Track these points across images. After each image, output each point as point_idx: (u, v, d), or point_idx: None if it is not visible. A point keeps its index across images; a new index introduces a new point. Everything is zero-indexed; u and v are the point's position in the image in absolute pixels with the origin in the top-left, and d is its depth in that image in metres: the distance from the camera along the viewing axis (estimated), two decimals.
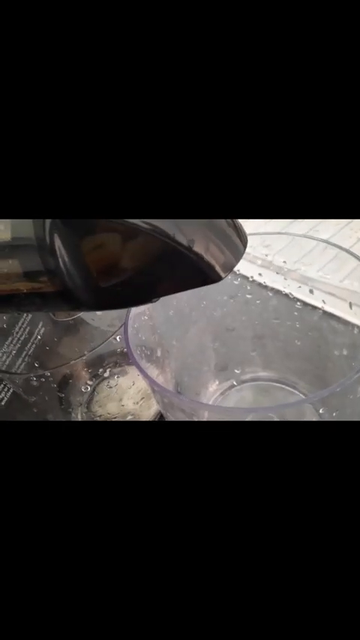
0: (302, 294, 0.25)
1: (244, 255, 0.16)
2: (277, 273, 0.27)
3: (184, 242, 0.12)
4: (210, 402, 0.26)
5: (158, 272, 0.13)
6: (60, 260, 0.13)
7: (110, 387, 0.29)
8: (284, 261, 0.29)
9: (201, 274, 0.13)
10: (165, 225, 0.12)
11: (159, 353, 0.23)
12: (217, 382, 0.27)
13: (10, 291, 0.15)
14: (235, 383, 0.27)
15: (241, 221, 0.16)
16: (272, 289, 0.26)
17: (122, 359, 0.31)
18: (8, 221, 0.14)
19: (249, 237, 0.16)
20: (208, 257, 0.13)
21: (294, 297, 0.25)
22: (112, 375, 0.29)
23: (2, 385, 0.23)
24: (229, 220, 0.14)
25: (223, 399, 0.26)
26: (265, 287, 0.26)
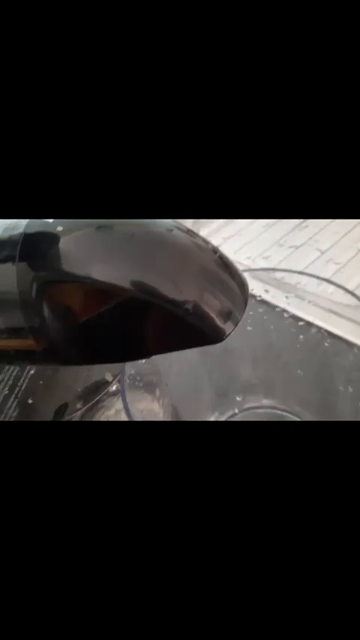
0: (302, 312, 0.24)
1: (243, 268, 0.15)
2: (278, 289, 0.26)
3: (179, 303, 0.12)
4: None
5: (153, 334, 0.12)
6: (47, 320, 0.12)
7: (109, 415, 0.28)
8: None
9: (200, 336, 0.12)
10: (157, 285, 0.11)
11: (153, 380, 0.22)
12: (216, 412, 0.26)
13: None
14: (236, 411, 0.26)
15: (236, 226, 0.15)
16: (270, 305, 0.25)
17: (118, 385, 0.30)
18: None
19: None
20: (207, 318, 0.12)
21: (293, 315, 0.24)
22: (109, 403, 0.28)
23: None
24: (233, 271, 0.13)
25: None
26: (264, 303, 0.25)
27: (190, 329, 0.12)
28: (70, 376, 0.27)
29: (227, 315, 0.13)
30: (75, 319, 0.12)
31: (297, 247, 0.44)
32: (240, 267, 0.15)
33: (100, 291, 0.12)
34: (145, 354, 0.13)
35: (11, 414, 0.22)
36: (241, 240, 0.45)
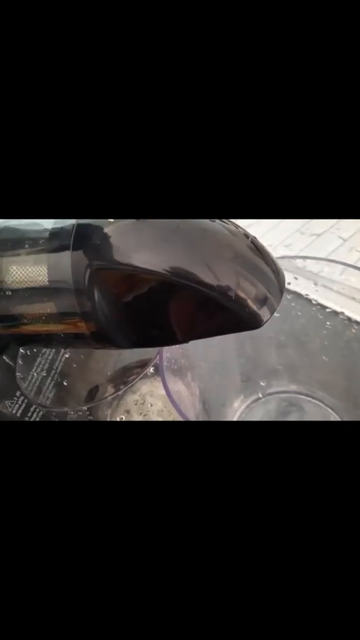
0: (330, 300, 0.25)
1: None
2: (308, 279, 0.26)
3: (222, 291, 0.12)
4: (236, 417, 0.26)
5: (194, 320, 0.13)
6: (97, 305, 0.13)
7: (136, 399, 0.29)
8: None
9: (240, 322, 0.13)
10: (202, 273, 0.12)
11: (185, 364, 0.23)
12: (242, 396, 0.27)
13: (44, 331, 0.15)
14: (260, 395, 0.27)
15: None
16: (297, 292, 0.26)
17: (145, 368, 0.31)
18: (44, 264, 0.14)
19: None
20: (247, 305, 0.13)
21: (320, 303, 0.25)
22: (135, 387, 0.30)
23: (33, 407, 0.24)
24: (267, 258, 0.14)
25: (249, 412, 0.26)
26: (292, 290, 0.26)
27: (230, 315, 0.13)
28: (101, 360, 0.28)
29: (266, 303, 0.13)
30: (123, 305, 0.13)
31: (319, 235, 0.44)
32: None
33: (147, 279, 0.13)
34: (186, 339, 0.14)
35: (48, 394, 0.23)
36: (262, 228, 0.45)
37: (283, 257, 0.23)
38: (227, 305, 0.12)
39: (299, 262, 0.25)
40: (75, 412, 0.21)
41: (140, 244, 0.12)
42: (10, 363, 0.23)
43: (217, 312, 0.13)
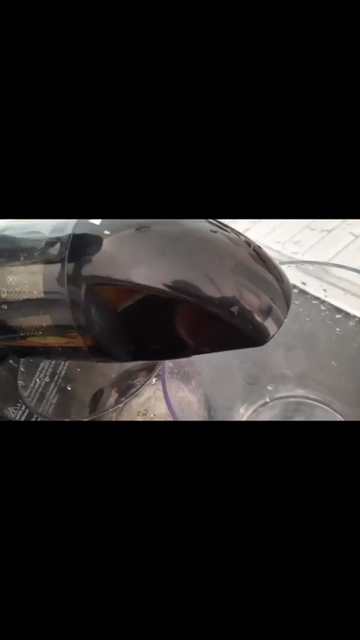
0: (341, 303, 0.24)
1: (272, 254, 0.14)
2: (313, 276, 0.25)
3: (224, 306, 0.12)
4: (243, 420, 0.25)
5: (196, 335, 0.12)
6: (93, 319, 0.13)
7: (141, 402, 0.29)
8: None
9: (245, 338, 0.12)
10: (202, 288, 0.12)
11: (189, 370, 0.22)
12: (248, 400, 0.26)
13: (41, 344, 0.15)
14: (267, 400, 0.26)
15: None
16: (307, 296, 0.25)
17: (150, 372, 0.31)
18: (40, 275, 0.13)
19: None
20: (252, 321, 0.12)
21: (331, 307, 0.24)
22: (141, 389, 0.29)
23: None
24: (270, 266, 0.13)
25: (255, 416, 0.26)
26: (301, 293, 0.25)
27: (234, 331, 0.12)
28: (105, 364, 0.28)
29: (271, 316, 0.13)
30: (121, 320, 0.13)
31: (329, 231, 0.43)
32: (270, 252, 0.14)
33: (145, 294, 0.12)
34: (187, 354, 0.13)
35: (52, 400, 0.23)
36: (270, 225, 0.44)
37: (291, 262, 0.22)
38: (230, 321, 0.12)
39: (308, 266, 0.24)
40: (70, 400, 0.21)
41: (138, 259, 0.12)
42: (15, 365, 0.23)
43: (219, 328, 0.12)
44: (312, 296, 0.22)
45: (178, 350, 0.13)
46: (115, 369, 0.29)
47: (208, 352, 0.13)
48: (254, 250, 0.13)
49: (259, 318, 0.12)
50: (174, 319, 0.12)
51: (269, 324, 0.13)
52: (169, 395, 0.17)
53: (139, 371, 0.29)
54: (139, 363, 0.29)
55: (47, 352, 0.15)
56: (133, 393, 0.20)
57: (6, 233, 0.15)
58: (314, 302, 0.22)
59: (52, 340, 0.14)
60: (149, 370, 0.30)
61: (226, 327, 0.12)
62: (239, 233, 0.13)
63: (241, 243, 0.13)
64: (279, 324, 0.13)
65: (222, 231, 0.13)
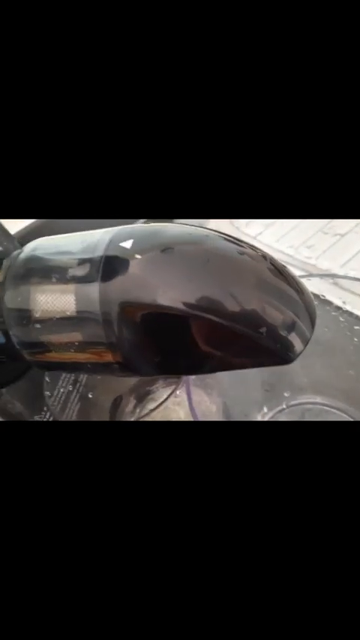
0: (354, 313, 0.24)
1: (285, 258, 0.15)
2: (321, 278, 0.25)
3: (254, 327, 0.12)
4: None
5: (224, 354, 0.13)
6: (124, 337, 0.13)
7: (159, 410, 0.29)
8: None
9: (271, 357, 0.12)
10: (234, 310, 0.12)
11: (210, 380, 0.23)
12: (265, 407, 0.26)
13: (70, 359, 0.15)
14: (284, 406, 0.27)
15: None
16: (322, 308, 0.25)
17: (169, 377, 0.31)
18: (72, 294, 0.14)
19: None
20: (280, 340, 0.12)
21: (350, 316, 0.24)
22: (157, 395, 0.30)
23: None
24: (292, 282, 0.14)
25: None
26: (320, 303, 0.25)
27: (263, 351, 0.12)
28: None
29: (298, 335, 0.13)
30: (151, 338, 0.13)
31: (342, 235, 0.43)
32: (282, 257, 0.15)
33: (177, 315, 0.12)
34: (213, 371, 0.14)
35: (74, 407, 0.24)
36: (283, 228, 0.44)
37: (311, 275, 0.22)
38: (260, 342, 0.12)
39: (321, 264, 0.24)
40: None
41: (170, 282, 0.12)
42: (38, 376, 0.23)
43: (248, 348, 0.12)
44: (332, 306, 0.22)
45: (205, 367, 0.14)
46: None
47: (235, 369, 0.14)
48: (272, 264, 0.13)
49: (287, 337, 0.13)
50: (203, 339, 0.13)
51: (296, 342, 0.13)
52: (194, 403, 0.18)
53: (157, 379, 0.30)
54: None
55: (75, 367, 0.15)
56: (158, 405, 0.20)
57: (36, 253, 0.15)
58: (334, 313, 0.22)
59: (82, 356, 0.15)
60: (166, 377, 0.30)
61: (256, 347, 0.12)
62: (254, 247, 0.14)
63: (259, 258, 0.13)
64: (305, 341, 0.13)
65: (240, 247, 0.13)
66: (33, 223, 0.32)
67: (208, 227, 0.14)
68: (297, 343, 0.13)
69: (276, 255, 0.13)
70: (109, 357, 0.14)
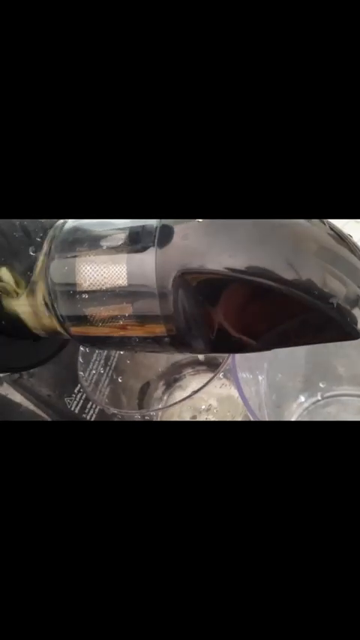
0: None
1: None
2: None
3: (325, 298, 0.11)
4: (294, 418, 0.25)
5: (284, 328, 0.12)
6: (180, 309, 0.13)
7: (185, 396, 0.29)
8: None
9: (339, 331, 0.12)
10: (303, 279, 0.11)
11: (253, 365, 0.22)
12: (301, 397, 0.26)
13: (119, 334, 0.14)
14: (319, 397, 0.26)
15: None
16: None
17: (198, 365, 0.30)
18: (124, 264, 0.13)
19: None
20: (349, 314, 0.11)
21: None
22: (185, 383, 0.29)
23: (90, 403, 0.24)
24: (354, 248, 0.13)
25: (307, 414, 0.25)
26: None
27: (328, 324, 0.12)
28: (152, 356, 0.27)
29: None
30: (209, 310, 0.13)
31: None
32: None
33: (239, 284, 0.12)
34: (269, 347, 0.13)
35: (104, 390, 0.23)
36: None
37: None
38: (329, 314, 0.11)
39: None
40: (142, 415, 0.21)
41: (233, 247, 0.11)
42: (67, 359, 0.23)
43: (314, 321, 0.12)
44: None
45: (261, 343, 0.13)
46: (162, 362, 0.29)
47: (291, 346, 0.13)
48: (331, 229, 0.12)
49: (352, 310, 0.12)
50: (267, 310, 0.12)
51: None
52: (244, 391, 0.17)
53: (185, 365, 0.29)
54: (187, 356, 0.29)
55: (122, 342, 0.15)
56: (201, 388, 0.20)
57: (82, 222, 0.15)
58: None
59: (132, 330, 0.14)
60: (195, 364, 0.29)
61: (322, 320, 0.11)
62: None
63: (320, 224, 0.12)
64: None
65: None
66: None
67: None
68: None
69: None
70: (161, 330, 0.13)
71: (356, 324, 0.12)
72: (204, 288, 0.12)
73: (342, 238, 0.12)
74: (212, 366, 0.29)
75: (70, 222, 0.15)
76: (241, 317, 0.12)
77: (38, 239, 0.15)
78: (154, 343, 0.14)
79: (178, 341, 0.13)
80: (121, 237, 0.13)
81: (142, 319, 0.13)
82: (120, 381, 0.24)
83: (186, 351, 0.14)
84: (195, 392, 0.20)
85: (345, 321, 0.11)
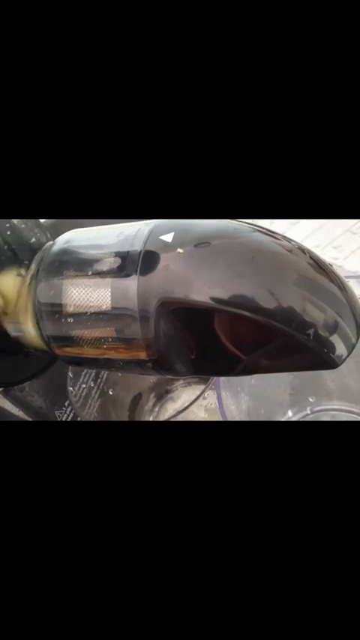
0: None
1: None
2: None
3: (301, 329, 0.11)
4: None
5: (264, 356, 0.12)
6: (161, 334, 0.13)
7: (176, 408, 0.29)
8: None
9: (316, 361, 0.12)
10: (280, 310, 0.11)
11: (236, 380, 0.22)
12: (289, 411, 0.26)
13: (102, 356, 0.15)
14: (309, 412, 0.26)
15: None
16: None
17: (189, 376, 0.30)
18: (108, 288, 0.13)
19: None
20: (326, 344, 0.12)
21: None
22: (176, 395, 0.29)
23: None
24: (338, 281, 0.13)
25: None
26: None
27: (305, 354, 0.12)
28: None
29: (343, 339, 0.12)
30: (190, 336, 0.13)
31: None
32: None
33: (218, 314, 0.12)
34: (250, 372, 0.13)
35: (94, 403, 0.23)
36: (309, 227, 0.43)
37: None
38: (307, 344, 0.11)
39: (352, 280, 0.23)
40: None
41: (214, 280, 0.11)
42: (60, 371, 0.23)
43: (291, 350, 0.12)
44: None
45: (241, 369, 0.13)
46: None
47: (273, 372, 0.13)
48: (311, 258, 0.13)
49: (331, 340, 0.12)
50: (245, 339, 0.12)
51: (339, 346, 0.12)
52: (224, 406, 0.17)
53: (176, 378, 0.29)
54: None
55: (107, 364, 0.15)
56: (195, 400, 0.20)
57: (70, 245, 0.15)
58: None
59: (115, 353, 0.14)
60: (188, 377, 0.29)
61: (300, 350, 0.12)
62: (289, 239, 0.13)
63: (299, 252, 0.13)
64: (350, 345, 0.12)
65: (280, 241, 0.13)
66: None
67: None
68: (340, 347, 0.12)
69: None
70: (143, 355, 0.14)
71: (334, 353, 0.12)
72: (184, 317, 0.12)
73: (321, 267, 0.12)
74: (204, 378, 0.29)
75: (58, 245, 0.15)
76: (220, 345, 0.12)
77: (26, 261, 0.15)
78: (138, 367, 0.14)
79: (159, 365, 0.14)
80: (106, 263, 0.14)
81: (124, 342, 0.14)
82: (111, 393, 0.24)
83: (169, 375, 0.14)
84: (184, 409, 0.20)
85: (322, 351, 0.12)
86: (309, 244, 0.46)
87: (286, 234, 0.14)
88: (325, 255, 0.40)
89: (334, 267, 0.13)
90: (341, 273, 0.13)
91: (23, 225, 0.15)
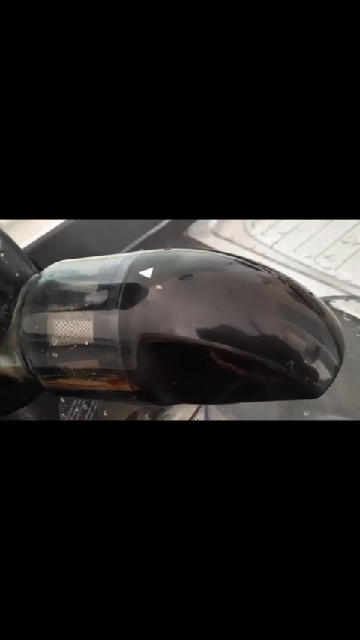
0: None
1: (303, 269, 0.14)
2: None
3: (281, 361, 0.11)
4: None
5: (246, 385, 0.12)
6: (142, 366, 0.13)
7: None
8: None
9: (298, 390, 0.12)
10: (258, 342, 0.11)
11: None
12: None
13: (86, 386, 0.15)
14: None
15: (294, 220, 0.15)
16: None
17: None
18: (90, 321, 0.13)
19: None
20: (308, 374, 0.12)
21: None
22: (171, 412, 0.29)
23: None
24: (316, 307, 0.13)
25: None
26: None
27: (288, 384, 0.12)
28: None
29: (325, 364, 0.12)
30: (172, 368, 0.13)
31: None
32: (299, 268, 0.14)
33: (199, 346, 0.12)
34: (234, 401, 0.13)
35: None
36: (301, 237, 0.43)
37: (330, 297, 0.22)
38: (288, 376, 0.11)
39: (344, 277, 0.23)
40: None
41: (192, 314, 0.11)
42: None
43: (275, 382, 0.12)
44: (351, 331, 0.22)
45: (224, 399, 0.13)
46: None
47: (254, 401, 0.13)
48: (290, 287, 0.13)
49: (313, 367, 0.12)
50: (226, 371, 0.12)
51: (323, 371, 0.12)
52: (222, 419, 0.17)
53: None
54: None
55: (93, 395, 0.15)
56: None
57: (54, 278, 0.15)
58: (358, 336, 0.22)
59: (99, 385, 0.14)
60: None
61: (281, 380, 0.12)
62: (270, 269, 0.13)
63: (278, 282, 0.13)
64: (333, 369, 0.13)
65: (259, 271, 0.13)
66: (39, 239, 0.32)
67: (223, 237, 0.13)
68: (324, 372, 0.12)
69: (293, 266, 0.13)
70: (125, 386, 0.14)
71: (317, 380, 0.12)
72: (165, 348, 0.12)
73: (299, 294, 0.13)
74: None
75: (43, 278, 0.15)
76: (202, 377, 0.12)
77: (11, 296, 0.15)
78: (123, 398, 0.14)
79: (144, 397, 0.14)
80: (88, 296, 0.14)
81: (108, 374, 0.14)
82: (105, 414, 0.24)
83: (154, 405, 0.14)
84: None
85: (303, 381, 0.12)
86: (301, 254, 0.46)
87: (278, 244, 0.14)
88: (318, 264, 0.40)
89: (314, 295, 0.13)
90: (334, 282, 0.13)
91: (7, 261, 0.15)
